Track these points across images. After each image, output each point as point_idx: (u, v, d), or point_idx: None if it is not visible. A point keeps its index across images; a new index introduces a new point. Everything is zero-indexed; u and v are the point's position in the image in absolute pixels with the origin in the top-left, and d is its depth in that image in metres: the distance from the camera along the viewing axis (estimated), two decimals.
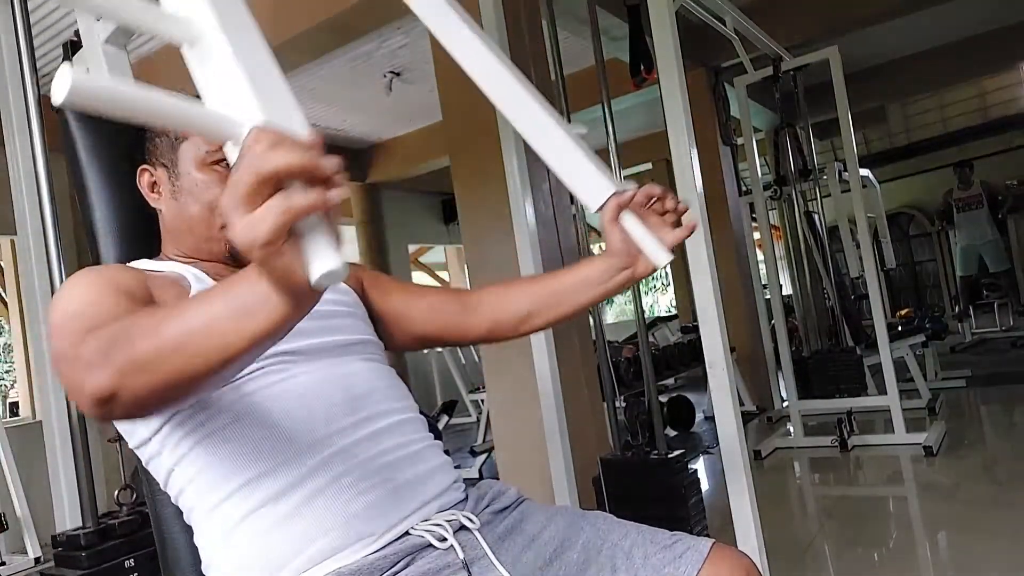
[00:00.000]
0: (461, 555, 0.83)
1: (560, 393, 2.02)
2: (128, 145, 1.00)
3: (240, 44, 0.50)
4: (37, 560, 3.35)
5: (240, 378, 0.81)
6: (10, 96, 2.33)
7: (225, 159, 0.90)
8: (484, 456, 4.30)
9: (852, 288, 4.71)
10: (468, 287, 3.74)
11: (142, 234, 1.03)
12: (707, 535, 0.91)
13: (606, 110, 2.34)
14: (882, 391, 3.67)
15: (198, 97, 0.54)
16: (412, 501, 0.86)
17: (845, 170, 3.98)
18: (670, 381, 5.68)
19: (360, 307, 1.03)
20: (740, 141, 4.88)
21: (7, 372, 11.10)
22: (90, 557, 1.81)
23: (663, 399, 4.64)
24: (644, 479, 2.11)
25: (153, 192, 0.96)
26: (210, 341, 0.56)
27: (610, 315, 12.14)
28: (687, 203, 0.94)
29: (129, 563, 1.83)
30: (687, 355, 4.55)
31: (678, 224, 0.93)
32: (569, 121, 2.34)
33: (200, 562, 0.87)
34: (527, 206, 1.99)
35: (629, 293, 2.44)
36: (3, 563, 3.34)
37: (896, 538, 2.45)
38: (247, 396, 0.83)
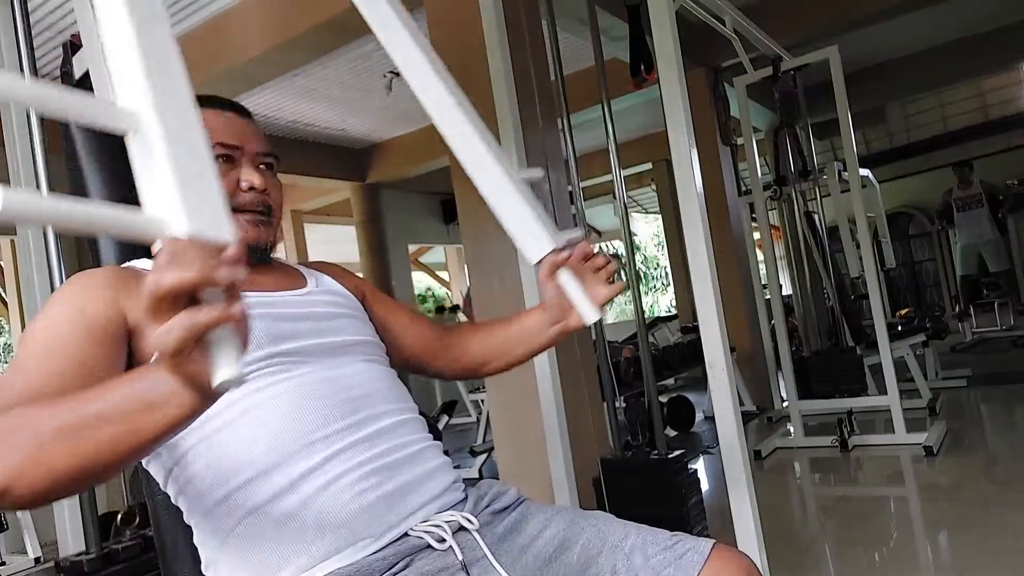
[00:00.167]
0: (460, 556, 0.83)
1: (560, 393, 2.02)
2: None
3: (178, 143, 0.51)
4: (37, 560, 3.35)
5: None
6: None
7: (223, 155, 0.92)
8: (484, 456, 4.30)
9: (852, 288, 4.71)
10: (468, 287, 3.73)
11: None
12: (707, 535, 0.91)
13: (606, 110, 2.34)
14: (882, 391, 3.66)
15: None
16: (411, 502, 0.86)
17: (845, 170, 3.97)
18: (670, 381, 5.69)
19: (361, 311, 1.04)
20: (740, 141, 4.89)
21: None
22: None
23: (663, 399, 4.64)
24: (644, 479, 2.11)
25: None
26: (121, 432, 0.58)
27: (610, 315, 12.13)
28: (622, 260, 0.98)
29: None
30: (687, 355, 4.54)
31: (612, 280, 0.98)
32: (569, 121, 2.35)
33: (200, 562, 0.87)
34: None
35: (629, 293, 2.44)
36: (3, 563, 3.34)
37: (896, 538, 2.45)
38: (247, 397, 0.83)
